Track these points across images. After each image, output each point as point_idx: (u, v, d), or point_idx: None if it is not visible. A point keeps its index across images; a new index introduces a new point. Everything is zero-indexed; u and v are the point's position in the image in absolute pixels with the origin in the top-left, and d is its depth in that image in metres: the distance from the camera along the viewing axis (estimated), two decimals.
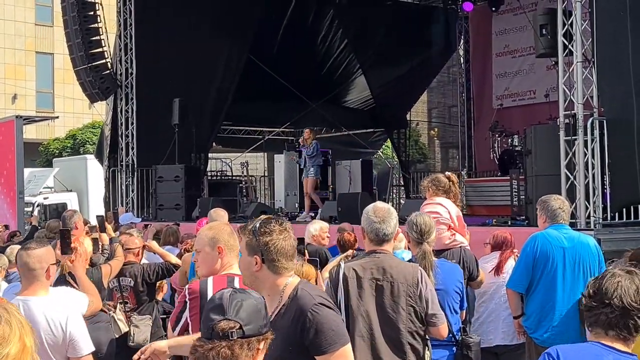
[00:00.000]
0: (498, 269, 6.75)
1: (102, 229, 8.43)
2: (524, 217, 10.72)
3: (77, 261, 5.25)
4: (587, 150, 9.44)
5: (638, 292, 2.73)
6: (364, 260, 4.25)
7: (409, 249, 6.15)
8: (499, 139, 15.51)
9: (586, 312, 2.80)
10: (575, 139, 9.52)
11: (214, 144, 19.77)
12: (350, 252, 6.87)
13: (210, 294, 3.95)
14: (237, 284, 3.95)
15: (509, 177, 12.28)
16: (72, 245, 5.26)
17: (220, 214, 7.12)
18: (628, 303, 2.70)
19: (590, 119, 9.51)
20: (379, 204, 4.35)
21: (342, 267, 4.27)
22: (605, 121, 9.45)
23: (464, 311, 5.39)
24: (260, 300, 2.49)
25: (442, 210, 6.48)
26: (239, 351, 2.30)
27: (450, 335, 4.94)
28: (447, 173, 6.91)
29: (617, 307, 2.70)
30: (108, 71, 16.28)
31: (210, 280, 4.04)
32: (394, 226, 4.25)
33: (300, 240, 6.24)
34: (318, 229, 7.58)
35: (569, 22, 9.79)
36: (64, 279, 5.53)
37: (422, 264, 4.65)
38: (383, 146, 25.40)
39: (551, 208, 5.99)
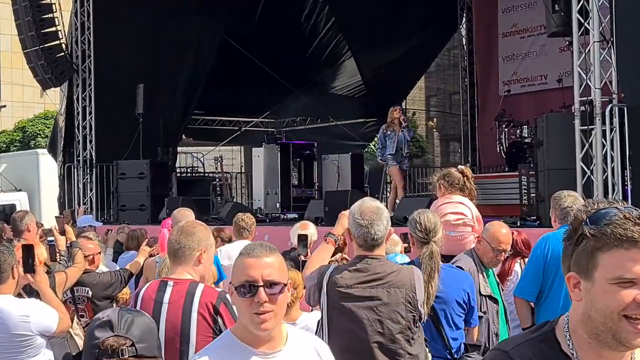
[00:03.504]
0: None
1: (62, 232, 8.39)
2: (535, 217, 10.77)
3: (40, 276, 5.22)
4: (606, 141, 9.49)
5: None
6: (354, 267, 4.24)
7: (405, 252, 6.16)
8: (506, 129, 15.53)
9: None
10: (592, 129, 9.57)
11: (183, 136, 19.71)
12: (339, 256, 6.85)
13: (140, 300, 4.04)
14: (168, 290, 3.98)
15: (517, 173, 12.31)
16: (36, 263, 5.22)
17: (186, 215, 7.11)
18: None
19: (609, 106, 9.55)
20: (367, 202, 4.31)
21: (331, 270, 4.26)
22: (625, 108, 9.49)
23: (475, 328, 5.28)
24: (154, 323, 2.56)
25: (466, 211, 6.51)
26: None
27: (447, 351, 4.93)
28: (460, 167, 6.91)
29: None
30: (62, 53, 16.20)
31: (147, 285, 4.16)
32: (384, 228, 4.22)
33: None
34: (315, 233, 7.46)
35: None
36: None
37: (429, 265, 4.63)
38: (375, 138, 25.39)
39: (561, 206, 6.02)
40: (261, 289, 2.80)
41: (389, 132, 13.90)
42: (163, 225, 7.51)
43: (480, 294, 5.51)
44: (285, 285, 2.85)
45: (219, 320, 4.01)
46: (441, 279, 4.80)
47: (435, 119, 31.92)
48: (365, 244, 4.21)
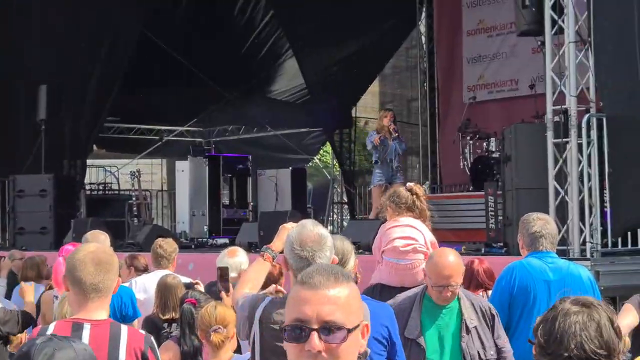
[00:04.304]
0: None
1: None
2: (502, 244, 10.89)
3: None
4: (582, 157, 9.62)
5: (601, 333, 2.67)
6: None
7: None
8: (471, 142, 15.70)
9: None
10: (567, 142, 9.70)
11: (94, 147, 19.54)
12: (273, 287, 6.84)
13: None
14: (85, 334, 3.96)
15: (483, 192, 12.45)
16: None
17: (100, 239, 7.04)
18: (592, 351, 2.65)
19: (586, 116, 9.68)
20: (307, 228, 4.31)
21: (266, 303, 4.26)
22: (604, 119, 9.65)
23: None
24: (84, 354, 2.62)
25: (417, 235, 6.56)
26: None
27: None
28: (408, 184, 7.01)
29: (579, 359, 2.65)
30: None
31: (51, 327, 4.06)
32: (328, 259, 4.21)
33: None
34: (247, 262, 7.33)
35: None
36: None
37: None
38: (321, 151, 25.50)
39: (528, 231, 6.12)
40: (314, 334, 2.43)
41: (382, 139, 14.03)
42: (61, 252, 7.26)
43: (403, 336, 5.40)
44: (355, 329, 2.48)
45: None
46: None
47: None
48: None
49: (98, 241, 6.89)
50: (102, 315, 4.09)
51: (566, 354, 2.66)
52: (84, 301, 4.08)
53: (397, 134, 14.12)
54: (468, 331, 5.50)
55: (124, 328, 4.11)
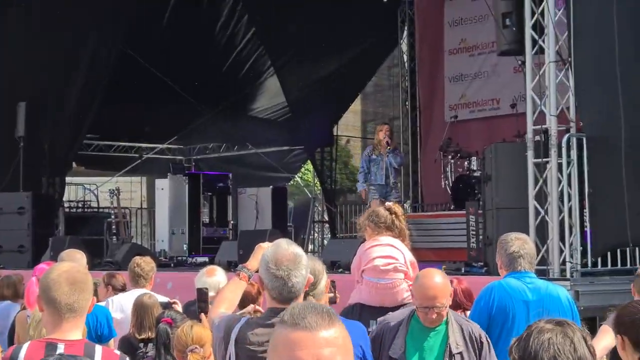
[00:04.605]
0: None
1: None
2: (482, 263, 10.92)
3: None
4: (562, 176, 9.67)
5: (575, 348, 2.73)
6: (269, 321, 4.24)
7: (330, 302, 6.18)
8: (452, 161, 15.74)
9: None
10: (547, 162, 9.75)
11: (73, 164, 19.47)
12: (251, 307, 6.84)
13: None
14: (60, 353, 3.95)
15: (464, 212, 12.48)
16: None
17: (76, 258, 7.02)
18: None
19: (566, 135, 9.74)
20: (282, 247, 4.31)
21: (242, 324, 4.26)
22: (584, 139, 9.71)
23: None
24: None
25: (397, 254, 6.56)
26: None
27: None
28: (387, 203, 7.03)
29: None
30: None
31: (25, 346, 4.05)
32: (303, 277, 4.24)
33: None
34: (225, 281, 7.31)
35: (540, 10, 10.06)
36: None
37: None
38: (302, 169, 25.50)
39: (507, 251, 6.14)
40: None
41: (374, 157, 13.91)
42: (35, 271, 7.19)
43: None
44: None
45: None
46: None
47: None
48: (281, 296, 4.22)
49: (74, 260, 6.86)
50: (77, 335, 4.05)
51: None
52: (58, 321, 4.04)
53: (390, 147, 14.02)
54: (451, 356, 5.43)
55: (98, 348, 4.07)
